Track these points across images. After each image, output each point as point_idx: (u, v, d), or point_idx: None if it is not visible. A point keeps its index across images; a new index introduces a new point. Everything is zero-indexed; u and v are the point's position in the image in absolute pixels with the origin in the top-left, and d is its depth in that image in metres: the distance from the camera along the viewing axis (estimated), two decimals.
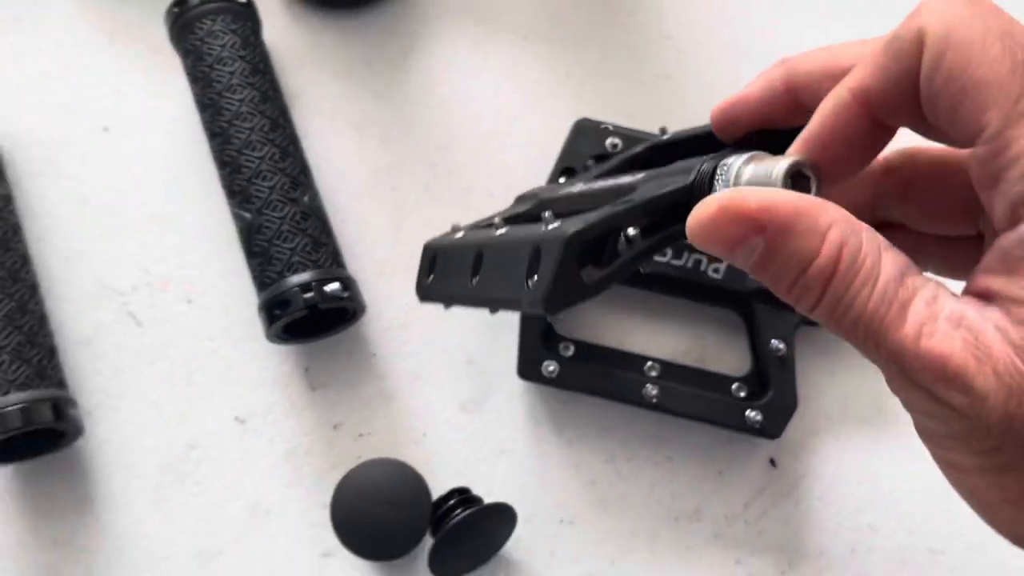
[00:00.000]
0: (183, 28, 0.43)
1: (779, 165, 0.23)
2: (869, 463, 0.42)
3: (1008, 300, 0.20)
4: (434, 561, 0.38)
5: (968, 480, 0.22)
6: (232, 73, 0.42)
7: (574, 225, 0.26)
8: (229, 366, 0.42)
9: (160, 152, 0.45)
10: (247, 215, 0.40)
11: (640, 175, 0.29)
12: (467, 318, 0.43)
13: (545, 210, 0.32)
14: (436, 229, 0.43)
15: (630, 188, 0.29)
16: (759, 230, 0.22)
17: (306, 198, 0.41)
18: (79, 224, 0.44)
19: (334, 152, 0.45)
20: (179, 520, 0.40)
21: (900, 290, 0.21)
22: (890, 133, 0.24)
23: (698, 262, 0.42)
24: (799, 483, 0.42)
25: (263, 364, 0.42)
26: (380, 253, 0.44)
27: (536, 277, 0.27)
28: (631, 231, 0.26)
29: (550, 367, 0.40)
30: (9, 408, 0.37)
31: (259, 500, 0.40)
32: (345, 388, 0.42)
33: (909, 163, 0.26)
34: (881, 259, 0.21)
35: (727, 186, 0.24)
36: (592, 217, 0.26)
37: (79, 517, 0.40)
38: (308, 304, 0.39)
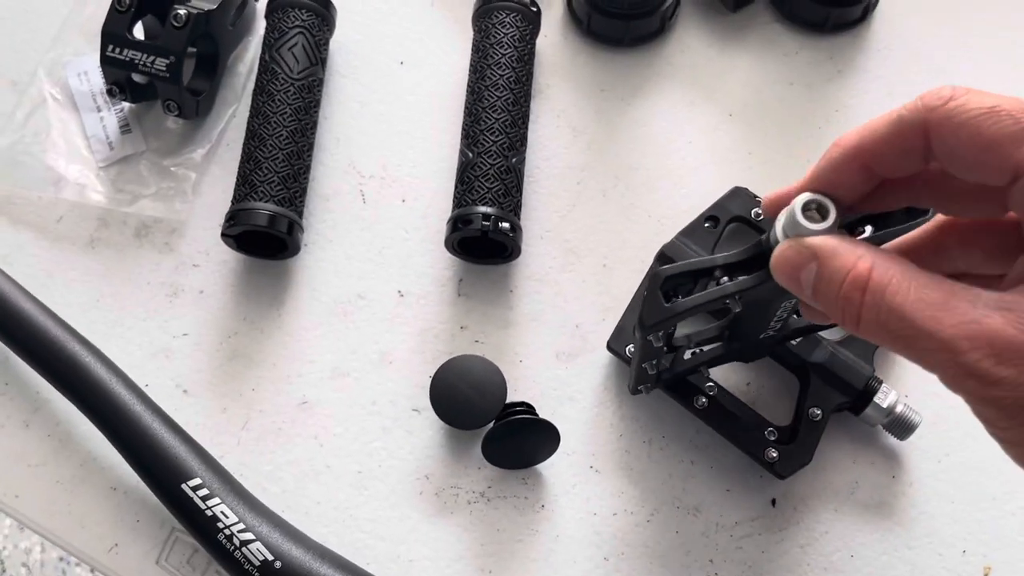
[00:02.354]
0: (484, 13, 0.57)
1: (796, 202, 0.32)
2: (852, 539, 0.49)
3: None
4: (487, 442, 0.49)
5: None
6: (504, 55, 0.56)
7: (667, 270, 0.37)
8: (410, 254, 0.56)
9: (431, 91, 0.60)
10: (470, 154, 0.54)
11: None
12: (587, 296, 0.54)
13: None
14: (597, 224, 0.55)
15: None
16: (812, 257, 0.30)
17: (515, 160, 0.54)
18: (356, 119, 0.59)
19: (550, 139, 0.58)
20: (331, 341, 0.54)
21: (938, 288, 0.27)
22: (876, 179, 0.31)
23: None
24: (788, 527, 0.49)
25: (433, 262, 0.55)
26: (548, 222, 0.56)
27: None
28: (722, 278, 0.35)
29: (632, 349, 0.50)
30: (262, 211, 0.52)
31: (389, 351, 0.53)
32: (481, 304, 0.54)
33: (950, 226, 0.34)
34: (911, 270, 0.28)
35: (775, 231, 0.33)
36: (684, 263, 0.37)
37: (268, 309, 0.54)
38: (483, 229, 0.51)
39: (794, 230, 0.32)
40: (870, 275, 0.28)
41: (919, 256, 0.33)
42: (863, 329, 0.29)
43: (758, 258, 0.35)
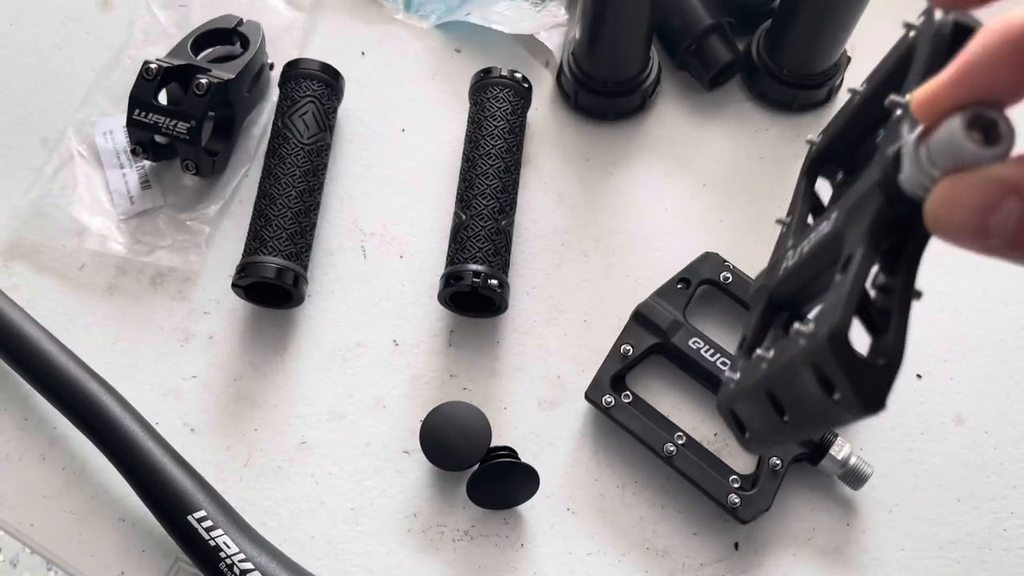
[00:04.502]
0: (480, 87, 0.62)
1: (954, 122, 0.22)
2: None
3: None
4: (472, 483, 0.53)
5: None
6: (497, 126, 0.61)
7: (825, 326, 0.25)
8: (405, 306, 0.60)
9: (430, 157, 0.65)
10: (463, 216, 0.59)
11: (833, 215, 0.30)
12: (568, 349, 0.59)
13: (778, 306, 0.34)
14: (580, 283, 0.60)
15: (836, 235, 0.29)
16: (1012, 190, 0.21)
17: (504, 222, 0.59)
18: (360, 181, 0.64)
19: (537, 203, 0.63)
20: (329, 386, 0.58)
21: None
22: None
23: None
24: (750, 570, 0.53)
25: (427, 314, 0.60)
26: (534, 280, 0.61)
27: (837, 392, 0.25)
28: (881, 280, 0.26)
29: (608, 400, 0.54)
30: (271, 265, 0.57)
31: (383, 396, 0.57)
32: (470, 354, 0.59)
33: None
34: None
35: (919, 170, 0.24)
36: (835, 312, 0.25)
37: (272, 355, 0.59)
38: (473, 286, 0.56)
39: (958, 159, 0.23)
40: None
41: None
42: None
43: (892, 225, 0.26)
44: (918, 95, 0.24)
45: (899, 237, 0.25)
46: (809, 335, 0.26)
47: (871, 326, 0.25)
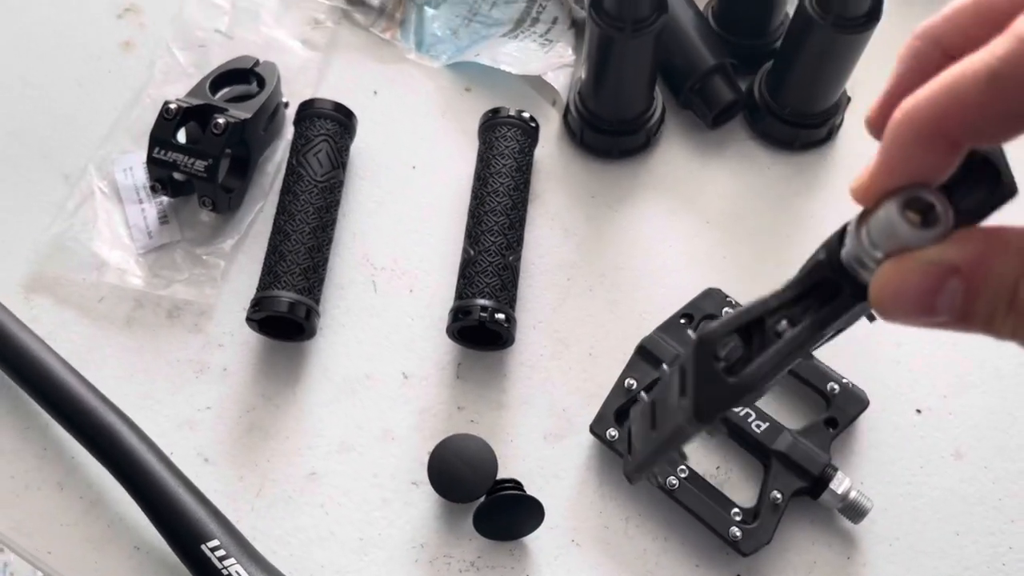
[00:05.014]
0: (489, 126, 0.64)
1: (891, 206, 0.23)
2: None
3: None
4: (478, 515, 0.54)
5: None
6: (504, 164, 0.63)
7: (704, 329, 0.27)
8: (414, 339, 0.61)
9: (439, 194, 0.67)
10: (471, 251, 0.60)
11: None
12: (573, 382, 0.60)
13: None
14: (585, 318, 0.61)
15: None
16: (951, 271, 0.22)
17: (511, 258, 0.60)
18: (371, 217, 0.66)
19: (544, 239, 0.65)
20: (339, 417, 0.59)
21: None
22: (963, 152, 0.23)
23: (748, 415, 0.56)
24: None
25: (435, 347, 0.61)
26: (540, 314, 0.62)
27: (685, 395, 0.26)
28: (781, 325, 0.26)
29: (612, 433, 0.56)
30: (284, 299, 0.58)
31: (392, 427, 0.59)
32: (477, 387, 0.60)
33: None
34: None
35: (861, 251, 0.25)
36: (725, 319, 0.27)
37: (284, 386, 0.60)
38: (481, 320, 0.57)
39: (896, 242, 0.24)
40: None
41: None
42: None
43: (823, 286, 0.27)
44: (854, 182, 0.25)
45: (823, 294, 0.26)
46: (691, 341, 0.27)
47: (748, 348, 0.26)
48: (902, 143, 0.24)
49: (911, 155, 0.24)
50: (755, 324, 0.27)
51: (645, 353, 0.58)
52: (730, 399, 0.26)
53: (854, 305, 0.26)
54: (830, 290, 0.26)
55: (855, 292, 0.26)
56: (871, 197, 0.25)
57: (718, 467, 0.57)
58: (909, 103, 0.23)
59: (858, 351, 0.59)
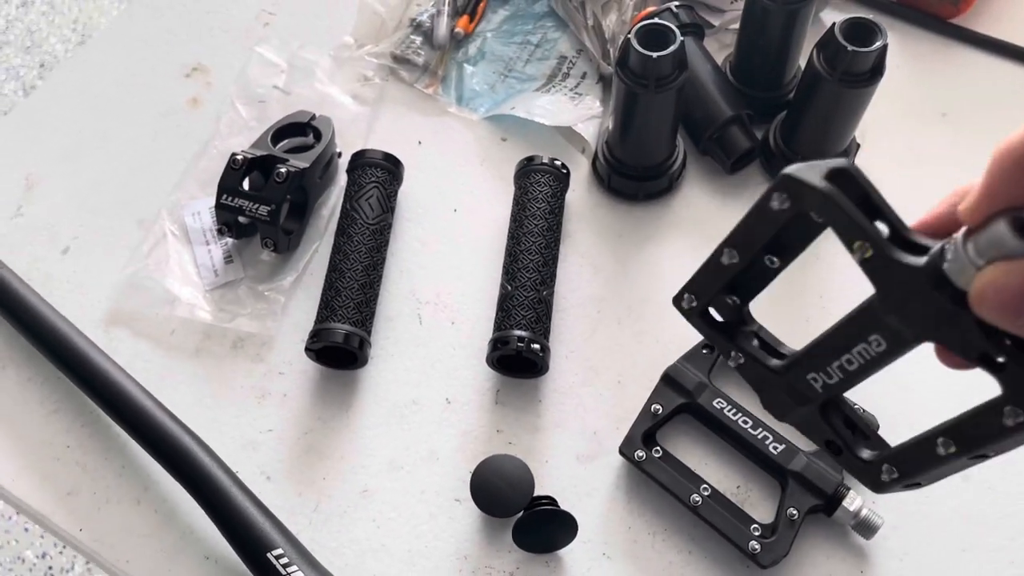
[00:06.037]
0: (524, 173, 0.70)
1: (1001, 222, 0.28)
2: None
3: None
4: (517, 529, 0.59)
5: None
6: (538, 207, 0.68)
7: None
8: (456, 367, 0.67)
9: (478, 234, 0.73)
10: (508, 287, 0.66)
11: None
12: (603, 407, 0.65)
13: (799, 387, 0.43)
14: (613, 347, 0.66)
15: (871, 321, 0.38)
16: None
17: (545, 293, 0.66)
18: (417, 255, 0.72)
19: (575, 275, 0.70)
20: (389, 439, 0.65)
21: None
22: None
23: (766, 438, 0.61)
24: None
25: (476, 375, 0.67)
26: (572, 344, 0.67)
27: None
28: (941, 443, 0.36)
29: (640, 454, 0.60)
30: (340, 331, 0.64)
31: (436, 448, 0.64)
32: (514, 411, 0.65)
33: None
34: None
35: (959, 262, 0.30)
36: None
37: (339, 411, 0.66)
38: (518, 349, 0.63)
39: (1003, 252, 0.28)
40: None
41: None
42: None
43: (915, 281, 0.32)
44: (962, 205, 0.31)
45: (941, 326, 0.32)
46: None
47: None
48: (1001, 173, 0.28)
49: (1010, 183, 0.28)
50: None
51: (670, 380, 0.63)
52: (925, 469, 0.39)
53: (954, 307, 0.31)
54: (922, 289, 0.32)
55: (953, 296, 0.31)
56: (977, 217, 0.30)
57: (738, 486, 0.62)
58: (1007, 140, 0.28)
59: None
